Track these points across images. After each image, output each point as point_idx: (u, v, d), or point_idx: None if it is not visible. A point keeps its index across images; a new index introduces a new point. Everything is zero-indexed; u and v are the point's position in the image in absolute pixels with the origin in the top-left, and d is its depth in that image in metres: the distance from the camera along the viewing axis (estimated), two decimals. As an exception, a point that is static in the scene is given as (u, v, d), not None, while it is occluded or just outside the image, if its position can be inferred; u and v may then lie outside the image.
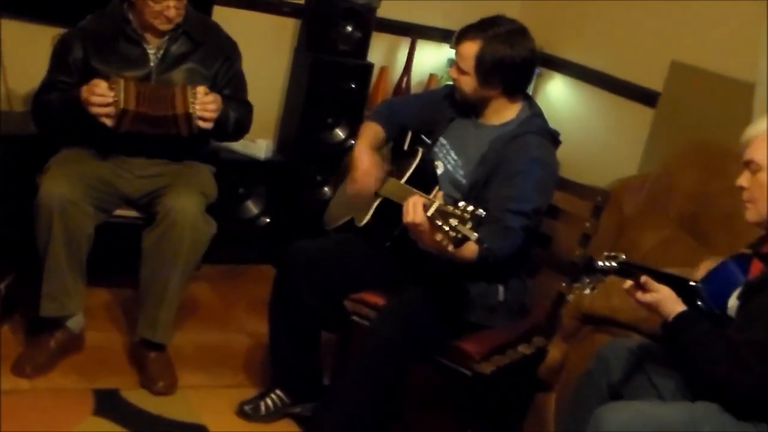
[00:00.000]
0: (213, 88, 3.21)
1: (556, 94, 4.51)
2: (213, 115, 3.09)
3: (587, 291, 2.42)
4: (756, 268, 2.35)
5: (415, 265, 2.88)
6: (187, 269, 3.09)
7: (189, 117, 3.04)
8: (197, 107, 3.05)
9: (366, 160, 2.99)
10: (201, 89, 3.08)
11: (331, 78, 4.19)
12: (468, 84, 2.86)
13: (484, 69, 2.81)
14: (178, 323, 3.34)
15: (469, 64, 2.83)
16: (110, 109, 2.98)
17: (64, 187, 2.98)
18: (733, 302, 2.38)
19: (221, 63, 3.28)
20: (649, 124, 3.93)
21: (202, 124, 3.07)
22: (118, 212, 3.26)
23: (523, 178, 2.75)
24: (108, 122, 3.00)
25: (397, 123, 3.12)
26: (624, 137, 4.12)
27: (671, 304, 2.32)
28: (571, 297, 2.99)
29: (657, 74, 3.91)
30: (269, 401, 3.10)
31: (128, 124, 3.03)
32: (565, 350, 3.04)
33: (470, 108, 2.97)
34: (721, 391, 2.22)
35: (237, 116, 3.26)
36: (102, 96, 2.97)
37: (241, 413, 3.08)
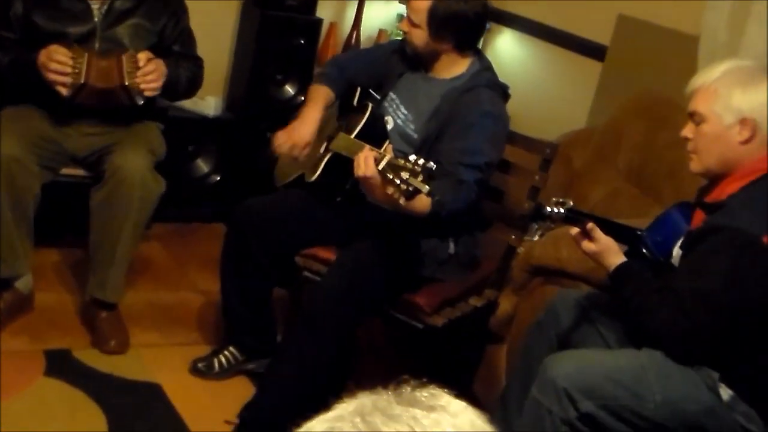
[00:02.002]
0: (161, 43, 3.17)
1: (506, 48, 4.51)
2: (155, 84, 3.02)
3: (536, 237, 2.44)
4: (698, 217, 2.39)
5: (366, 220, 2.88)
6: (136, 228, 3.07)
7: (127, 89, 2.99)
8: (137, 80, 2.99)
9: (306, 130, 2.96)
10: (142, 57, 3.00)
11: (280, 34, 4.15)
12: (419, 37, 2.86)
13: (436, 23, 2.80)
14: (130, 282, 3.33)
15: (421, 18, 2.82)
16: (67, 79, 2.92)
17: (9, 145, 2.93)
18: (677, 251, 2.42)
19: (168, 18, 3.22)
20: (597, 78, 3.95)
21: (147, 93, 3.01)
22: (65, 171, 3.22)
23: (475, 132, 2.75)
24: (63, 91, 2.94)
25: (346, 80, 3.11)
26: (572, 91, 4.15)
27: (613, 255, 2.36)
28: (521, 249, 3.03)
29: (604, 28, 3.92)
30: (222, 358, 3.11)
31: (83, 97, 2.98)
32: (516, 302, 3.07)
33: (420, 62, 2.96)
34: (662, 339, 2.27)
35: (189, 75, 3.22)
36: (61, 64, 2.91)
37: (195, 371, 3.09)
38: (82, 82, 2.93)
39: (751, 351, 2.23)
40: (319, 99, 3.04)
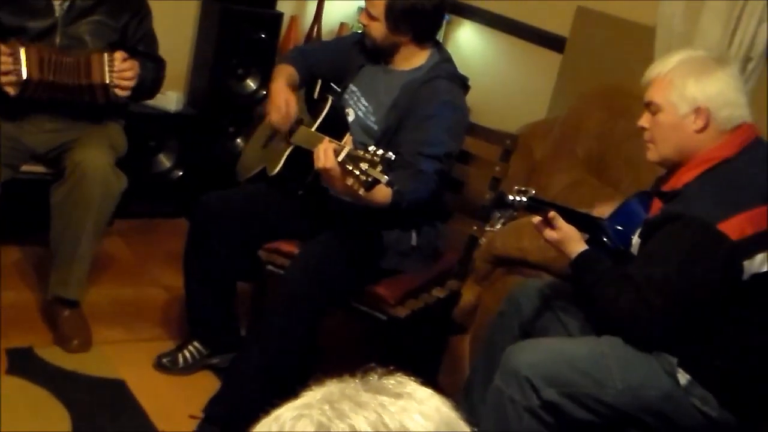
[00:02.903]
0: (123, 42, 3.15)
1: (466, 40, 4.54)
2: (130, 83, 3.03)
3: (498, 226, 2.47)
4: (656, 206, 2.43)
5: (328, 213, 2.90)
6: (98, 224, 3.05)
7: (106, 88, 2.99)
8: (114, 76, 2.98)
9: (281, 92, 2.95)
10: (119, 56, 3.00)
11: (241, 28, 4.15)
12: (378, 30, 2.87)
13: (394, 16, 2.82)
14: (92, 279, 3.31)
15: (379, 11, 2.83)
16: (10, 78, 2.90)
17: (-33, 143, 2.91)
18: (636, 240, 2.46)
19: (130, 16, 3.20)
20: (556, 69, 3.99)
21: (119, 92, 3.02)
22: (26, 168, 3.20)
23: (435, 123, 2.77)
24: (10, 91, 2.91)
25: (308, 68, 3.11)
26: (532, 82, 4.18)
27: (574, 243, 2.39)
28: (483, 240, 3.06)
29: (563, 20, 3.96)
30: (187, 353, 3.11)
31: (33, 92, 2.96)
32: (479, 293, 3.10)
33: (380, 54, 2.98)
34: (622, 326, 2.31)
35: (152, 76, 3.20)
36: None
37: (159, 366, 3.09)
38: (26, 78, 2.90)
39: (706, 336, 2.27)
40: (283, 75, 3.04)
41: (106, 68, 2.97)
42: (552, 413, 2.27)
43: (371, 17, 2.87)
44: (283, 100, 2.94)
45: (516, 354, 2.33)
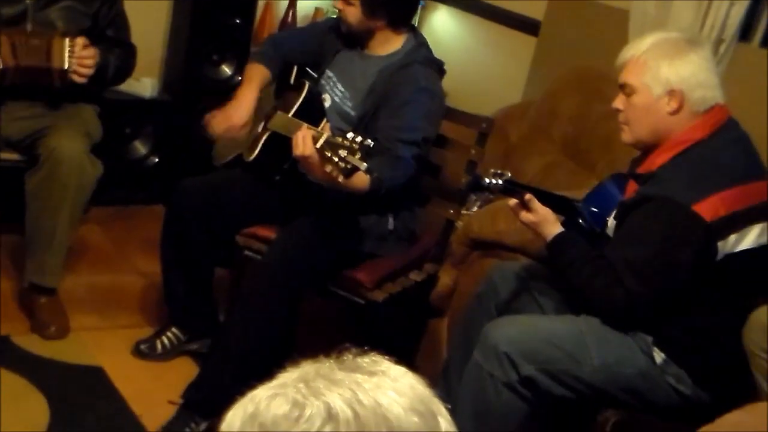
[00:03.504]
0: (94, 28, 3.13)
1: (441, 25, 4.53)
2: (89, 71, 2.99)
3: (474, 209, 2.48)
4: (631, 188, 2.45)
5: (305, 198, 2.90)
6: (74, 211, 3.04)
7: (64, 73, 2.96)
8: (74, 61, 2.96)
9: (242, 111, 2.94)
10: (80, 41, 2.97)
11: (215, 14, 4.12)
12: (353, 15, 2.87)
13: (370, 1, 2.81)
14: (69, 266, 3.29)
15: None
16: None
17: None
18: (611, 221, 2.48)
19: (102, 1, 3.18)
20: (531, 53, 4.00)
21: (77, 78, 2.98)
22: (0, 156, 3.17)
23: (412, 108, 2.78)
24: None
25: (282, 60, 3.10)
26: (508, 66, 4.19)
27: (550, 225, 2.41)
28: (459, 223, 3.07)
29: (538, 4, 3.96)
30: (165, 339, 3.11)
31: (11, 79, 2.94)
32: (456, 276, 3.11)
33: (356, 40, 2.98)
34: (599, 307, 2.33)
35: (118, 63, 3.17)
36: None
37: (137, 352, 3.09)
38: (2, 68, 2.88)
39: (681, 315, 2.30)
40: (255, 78, 3.03)
41: (66, 54, 2.94)
42: (530, 389, 2.29)
43: (347, 2, 2.86)
44: (238, 120, 2.92)
45: (495, 330, 2.35)
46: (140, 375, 3.01)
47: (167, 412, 2.77)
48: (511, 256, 2.94)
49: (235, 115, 2.93)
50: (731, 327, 2.24)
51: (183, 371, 2.99)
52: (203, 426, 2.74)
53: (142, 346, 3.09)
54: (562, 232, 2.41)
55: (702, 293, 2.29)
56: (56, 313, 3.12)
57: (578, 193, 2.66)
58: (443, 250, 3.12)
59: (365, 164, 2.36)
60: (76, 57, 2.96)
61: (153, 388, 2.93)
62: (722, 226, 2.23)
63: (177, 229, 2.97)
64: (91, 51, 3.00)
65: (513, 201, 2.45)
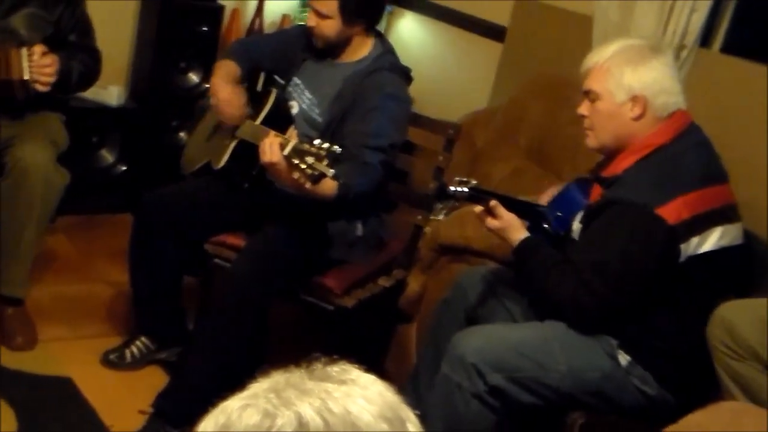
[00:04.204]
0: (57, 34, 3.10)
1: (408, 32, 4.56)
2: (50, 78, 2.95)
3: (441, 216, 2.50)
4: (596, 192, 2.48)
5: (274, 206, 2.90)
6: (40, 221, 3.02)
7: (25, 83, 2.92)
8: (33, 70, 2.92)
9: (224, 89, 2.94)
10: (38, 50, 2.93)
11: (182, 21, 4.11)
12: (331, 27, 2.86)
13: (349, 9, 2.82)
14: (37, 276, 3.27)
15: (331, 8, 2.82)
16: None
17: None
18: (576, 225, 2.51)
19: (64, 6, 3.14)
20: (497, 59, 4.03)
21: (39, 87, 2.94)
22: (-36, 166, 3.15)
23: (379, 114, 2.79)
24: None
25: (251, 62, 3.10)
26: (474, 72, 4.22)
27: (515, 231, 2.44)
28: (428, 229, 3.09)
29: (503, 10, 4.00)
30: (134, 348, 3.10)
31: None
32: (424, 281, 3.14)
33: (328, 48, 2.96)
34: (565, 311, 2.36)
35: (82, 69, 3.14)
36: None
37: (106, 362, 3.07)
38: None
39: (645, 318, 2.34)
40: (224, 70, 3.02)
41: (25, 63, 2.90)
42: (498, 398, 2.32)
43: (321, 16, 2.85)
44: (228, 94, 2.93)
45: (462, 341, 2.37)
46: (109, 385, 2.99)
47: (137, 422, 2.76)
48: (479, 261, 2.96)
49: (222, 99, 2.92)
50: (694, 328, 2.27)
51: (152, 380, 2.98)
52: (174, 435, 2.73)
53: (111, 356, 3.08)
54: (528, 237, 2.44)
55: (665, 295, 2.32)
56: (23, 323, 3.10)
57: (544, 198, 2.69)
58: (411, 255, 3.14)
59: (332, 170, 2.37)
60: (35, 65, 2.92)
61: (122, 398, 2.92)
62: (685, 229, 2.27)
63: (145, 237, 2.96)
64: (50, 58, 2.96)
65: (479, 208, 2.47)
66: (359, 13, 2.85)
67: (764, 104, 2.96)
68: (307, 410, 0.86)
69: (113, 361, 3.08)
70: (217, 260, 2.97)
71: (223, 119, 2.95)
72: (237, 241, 2.94)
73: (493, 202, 2.43)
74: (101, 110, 4.05)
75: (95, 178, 4.07)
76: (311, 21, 2.89)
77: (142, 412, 2.78)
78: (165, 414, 2.74)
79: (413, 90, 3.03)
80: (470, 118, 3.72)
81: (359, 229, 2.92)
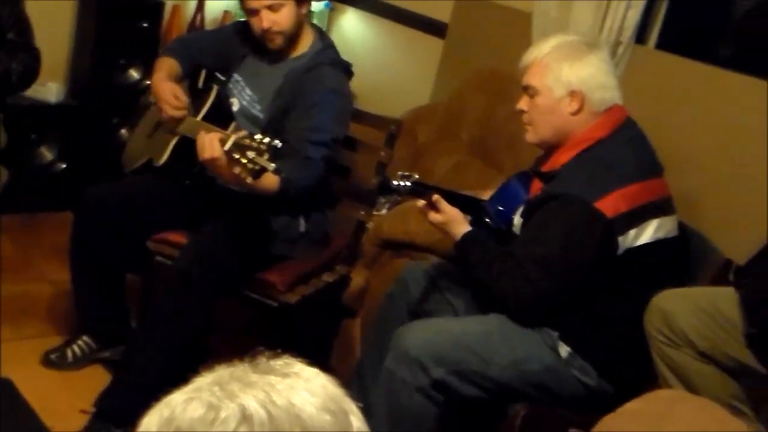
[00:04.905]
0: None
1: (349, 27, 4.57)
2: None
3: (384, 211, 2.51)
4: (536, 186, 2.52)
5: (216, 202, 2.90)
6: (-22, 220, 2.98)
7: None
8: None
9: (166, 85, 2.93)
10: None
11: (121, 17, 4.08)
12: (288, 16, 2.83)
13: None
14: (-26, 277, 3.23)
15: None
16: None
17: None
18: (517, 219, 2.54)
19: (2, 4, 3.11)
20: (439, 55, 4.06)
21: None
22: None
23: (320, 109, 2.80)
24: None
25: (191, 59, 3.09)
26: (416, 68, 4.24)
27: (458, 225, 2.46)
28: (370, 225, 3.10)
29: (444, 6, 4.03)
30: (76, 348, 3.07)
31: None
32: (368, 276, 3.15)
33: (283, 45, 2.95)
34: (506, 304, 2.39)
35: (21, 69, 3.10)
36: None
37: (47, 362, 3.04)
38: None
39: (585, 310, 2.38)
40: (164, 67, 3.01)
41: None
42: (442, 391, 2.34)
43: (274, 9, 2.82)
44: (169, 91, 2.91)
45: (405, 335, 2.38)
46: (51, 385, 2.96)
47: (79, 422, 2.73)
48: (422, 256, 2.99)
49: (165, 95, 2.89)
50: (632, 319, 2.31)
51: (95, 380, 2.95)
52: (117, 434, 2.71)
53: (52, 356, 3.05)
54: (470, 231, 2.46)
55: (604, 287, 2.36)
56: (-38, 324, 3.06)
57: (486, 193, 2.72)
58: (355, 251, 3.15)
59: (273, 165, 2.37)
60: None
61: (64, 399, 2.89)
62: (623, 222, 2.31)
63: (86, 236, 2.93)
64: None
65: (421, 202, 2.49)
66: None
67: (698, 98, 3.03)
68: (251, 402, 0.87)
69: (54, 361, 3.04)
70: (159, 258, 2.95)
71: (171, 115, 2.93)
72: (179, 238, 2.93)
73: (435, 197, 2.46)
74: (40, 107, 4.00)
75: (34, 177, 4.02)
76: (265, 23, 2.84)
77: (84, 411, 2.76)
78: (107, 413, 2.72)
79: (356, 86, 3.04)
80: (412, 113, 3.75)
81: (302, 225, 2.93)
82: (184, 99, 2.92)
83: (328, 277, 3.08)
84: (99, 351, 3.09)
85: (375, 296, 3.00)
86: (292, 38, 2.92)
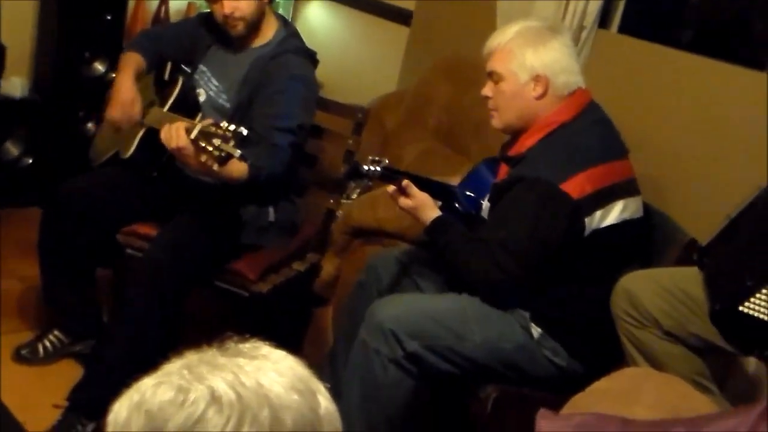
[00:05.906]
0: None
1: (315, 17, 4.57)
2: None
3: (354, 196, 2.53)
4: (503, 170, 2.54)
5: (185, 193, 2.90)
6: (-55, 217, 2.96)
7: None
8: None
9: (126, 89, 2.92)
10: None
11: (84, 10, 4.05)
12: (250, 1, 2.84)
13: None
14: (-59, 274, 3.21)
15: None
16: None
17: None
18: (486, 204, 2.56)
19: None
20: (404, 42, 4.07)
21: None
22: None
23: (286, 97, 2.81)
24: None
25: (156, 52, 3.08)
26: (382, 56, 4.25)
27: (428, 210, 2.48)
28: (340, 213, 3.12)
29: (409, -6, 4.05)
30: (47, 342, 3.05)
31: None
32: (338, 264, 3.17)
33: (245, 32, 2.95)
34: (477, 287, 2.41)
35: None
36: None
37: (18, 357, 3.02)
38: None
39: (554, 291, 2.41)
40: (129, 64, 2.99)
41: None
42: (415, 364, 2.35)
43: None
44: (128, 97, 2.90)
45: (380, 308, 2.40)
46: (22, 380, 2.94)
47: (52, 417, 2.72)
48: (392, 242, 3.01)
49: (123, 101, 2.89)
50: (600, 300, 2.34)
51: (67, 374, 2.94)
52: (90, 427, 2.70)
53: (23, 351, 3.03)
54: (440, 216, 2.48)
55: (572, 269, 2.39)
56: (-70, 322, 3.04)
57: (454, 179, 2.74)
58: (325, 239, 3.16)
59: (239, 151, 2.37)
60: None
61: (36, 393, 2.88)
62: (589, 203, 2.34)
63: (55, 230, 2.92)
64: None
65: (391, 187, 2.51)
66: None
67: (660, 81, 3.06)
68: (220, 384, 0.89)
69: (25, 356, 3.03)
70: (129, 250, 2.94)
71: (115, 119, 2.91)
72: (149, 230, 2.92)
73: (405, 182, 2.47)
74: (4, 102, 3.96)
75: (0, 172, 3.99)
76: (226, 8, 2.84)
77: (56, 406, 2.75)
78: (80, 407, 2.71)
79: (322, 75, 3.05)
80: (379, 101, 3.76)
81: (271, 214, 2.93)
82: (137, 113, 2.91)
83: (298, 266, 3.09)
84: (70, 345, 3.08)
85: (346, 284, 3.02)
86: (255, 26, 2.91)
